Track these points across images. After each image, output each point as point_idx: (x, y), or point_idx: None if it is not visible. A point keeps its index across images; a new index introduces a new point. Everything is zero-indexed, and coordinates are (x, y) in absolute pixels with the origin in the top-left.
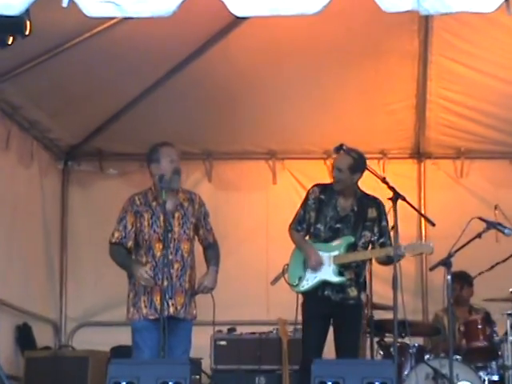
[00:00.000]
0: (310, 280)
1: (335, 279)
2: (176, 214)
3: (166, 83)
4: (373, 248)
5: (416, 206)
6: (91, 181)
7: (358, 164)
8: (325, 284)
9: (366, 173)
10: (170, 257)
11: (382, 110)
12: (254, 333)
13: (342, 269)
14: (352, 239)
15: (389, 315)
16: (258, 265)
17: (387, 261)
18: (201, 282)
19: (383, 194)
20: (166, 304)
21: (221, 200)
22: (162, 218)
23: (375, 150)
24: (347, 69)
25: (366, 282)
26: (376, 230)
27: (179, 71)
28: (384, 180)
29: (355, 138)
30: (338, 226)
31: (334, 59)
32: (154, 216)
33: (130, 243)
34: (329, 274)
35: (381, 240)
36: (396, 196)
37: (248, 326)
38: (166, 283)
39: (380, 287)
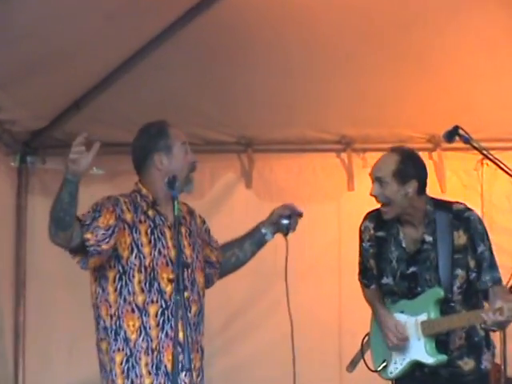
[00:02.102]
0: (398, 363)
1: (430, 360)
2: (182, 230)
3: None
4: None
5: None
6: None
7: (409, 164)
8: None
9: None
10: (186, 294)
11: None
12: None
13: (439, 339)
14: (441, 293)
15: None
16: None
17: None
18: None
19: None
20: (181, 368)
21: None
22: (168, 235)
23: None
24: None
25: (489, 340)
26: (472, 263)
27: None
28: None
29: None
30: (411, 270)
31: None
32: (155, 231)
33: (101, 258)
34: (420, 351)
35: (482, 278)
36: None
37: None
38: (181, 335)
39: None
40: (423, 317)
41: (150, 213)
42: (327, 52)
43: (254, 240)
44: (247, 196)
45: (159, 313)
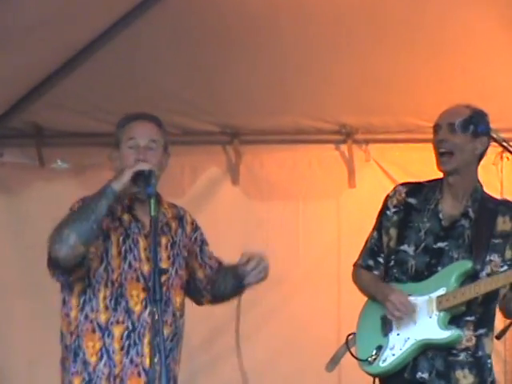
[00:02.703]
0: (397, 347)
1: (443, 335)
2: (162, 240)
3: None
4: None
5: None
6: (24, 182)
7: (483, 120)
8: (421, 358)
9: None
10: (157, 316)
11: None
12: None
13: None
14: (469, 265)
15: None
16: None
17: None
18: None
19: None
20: None
21: (258, 217)
22: (142, 244)
23: None
24: None
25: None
26: (509, 253)
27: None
28: None
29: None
30: (440, 245)
31: None
32: (127, 240)
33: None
34: (431, 328)
35: None
36: None
37: None
38: (148, 362)
39: None
40: (440, 291)
41: (126, 218)
42: (325, 31)
43: (236, 275)
44: (233, 194)
45: (125, 335)
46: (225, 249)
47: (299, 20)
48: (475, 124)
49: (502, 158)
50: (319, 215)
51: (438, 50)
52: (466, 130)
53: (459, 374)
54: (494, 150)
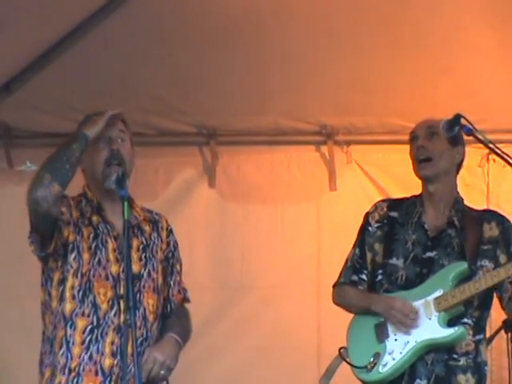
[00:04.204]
0: (396, 352)
1: (445, 333)
2: (134, 243)
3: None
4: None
5: None
6: None
7: (459, 130)
8: (418, 365)
9: None
10: (124, 317)
11: None
12: None
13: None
14: (465, 265)
15: None
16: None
17: None
18: (148, 354)
19: None
20: None
21: (235, 221)
22: (111, 246)
23: None
24: None
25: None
26: (503, 258)
27: None
28: None
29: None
30: (429, 254)
31: None
32: (97, 240)
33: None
34: (432, 328)
35: None
36: None
37: None
38: (107, 363)
39: None
40: (437, 293)
41: (94, 219)
42: (306, 29)
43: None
44: (210, 196)
45: (88, 329)
46: (200, 253)
47: (279, 19)
48: (454, 131)
49: (488, 160)
50: (298, 219)
51: (422, 48)
52: (444, 137)
53: (461, 378)
54: (479, 151)
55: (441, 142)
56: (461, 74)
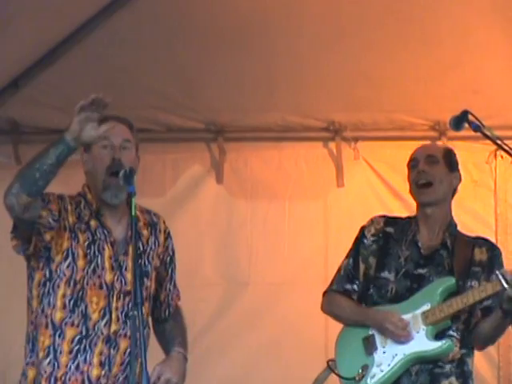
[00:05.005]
0: (385, 363)
1: (433, 346)
2: (130, 249)
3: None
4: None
5: None
6: None
7: (455, 156)
8: (403, 376)
9: None
10: (114, 327)
11: None
12: None
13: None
14: (452, 280)
15: None
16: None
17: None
18: (160, 373)
19: None
20: None
21: (242, 217)
22: (108, 253)
23: None
24: None
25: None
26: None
27: None
28: None
29: None
30: (420, 271)
31: None
32: (93, 245)
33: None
34: (420, 341)
35: (485, 303)
36: None
37: None
38: (95, 373)
39: None
40: (424, 307)
41: (93, 223)
42: (314, 26)
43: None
44: (217, 192)
45: (76, 339)
46: (207, 249)
47: (287, 16)
48: (451, 157)
49: (495, 156)
50: (306, 215)
51: (430, 45)
52: (443, 162)
53: (444, 383)
54: (487, 148)
55: (440, 168)
56: (468, 70)
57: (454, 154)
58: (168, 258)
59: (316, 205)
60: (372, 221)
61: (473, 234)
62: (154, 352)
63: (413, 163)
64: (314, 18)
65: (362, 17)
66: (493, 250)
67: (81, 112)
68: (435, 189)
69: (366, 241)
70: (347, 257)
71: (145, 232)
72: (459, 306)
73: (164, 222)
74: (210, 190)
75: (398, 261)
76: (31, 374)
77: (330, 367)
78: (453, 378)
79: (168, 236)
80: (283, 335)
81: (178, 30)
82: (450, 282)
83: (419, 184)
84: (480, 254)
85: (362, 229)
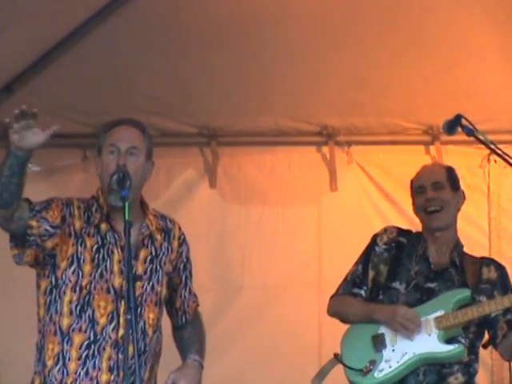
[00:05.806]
0: (393, 361)
1: (444, 349)
2: (141, 254)
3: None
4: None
5: None
6: None
7: (455, 174)
8: (409, 376)
9: None
10: (122, 332)
11: None
12: None
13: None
14: (468, 292)
15: None
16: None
17: None
18: (174, 380)
19: None
20: None
21: (236, 222)
22: (117, 257)
23: None
24: None
25: None
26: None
27: None
28: None
29: None
30: (429, 285)
31: None
32: (102, 249)
33: (37, 253)
34: (432, 343)
35: (508, 315)
36: None
37: None
38: (104, 378)
39: None
40: (438, 313)
41: (103, 227)
42: (306, 29)
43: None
44: (211, 197)
45: (84, 345)
46: (201, 254)
47: (280, 20)
48: (453, 177)
49: (488, 160)
50: (299, 219)
51: (423, 49)
52: (448, 185)
53: (451, 379)
54: (480, 152)
55: (447, 193)
56: (462, 74)
57: (455, 173)
58: (181, 265)
59: (309, 209)
60: (385, 230)
61: (477, 255)
62: (171, 357)
63: (420, 190)
64: (307, 23)
65: (355, 22)
66: (502, 269)
67: (14, 123)
68: (445, 214)
69: (377, 248)
70: (356, 263)
71: (158, 237)
72: (474, 315)
73: (180, 229)
74: (204, 194)
75: (409, 273)
76: (37, 382)
77: (337, 358)
78: (459, 374)
79: (183, 242)
80: (277, 339)
81: (172, 35)
82: (465, 293)
83: (429, 211)
84: (488, 273)
85: (375, 236)
